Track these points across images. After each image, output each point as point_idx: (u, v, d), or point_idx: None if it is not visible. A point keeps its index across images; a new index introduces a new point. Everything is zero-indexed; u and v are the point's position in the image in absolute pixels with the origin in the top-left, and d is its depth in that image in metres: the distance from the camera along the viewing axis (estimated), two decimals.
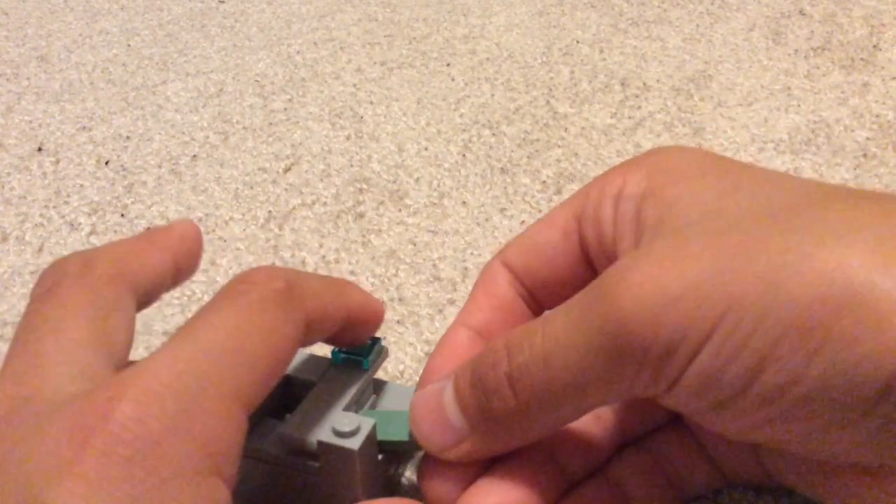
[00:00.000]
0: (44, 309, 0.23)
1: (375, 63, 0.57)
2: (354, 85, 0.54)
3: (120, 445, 0.19)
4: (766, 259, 0.21)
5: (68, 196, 0.45)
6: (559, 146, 0.48)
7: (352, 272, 0.39)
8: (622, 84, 0.53)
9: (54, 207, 0.44)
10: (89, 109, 0.53)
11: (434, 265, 0.39)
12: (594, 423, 0.27)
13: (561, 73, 0.54)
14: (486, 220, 0.42)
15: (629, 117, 0.50)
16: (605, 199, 0.26)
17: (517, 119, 0.50)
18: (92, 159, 0.48)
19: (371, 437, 0.25)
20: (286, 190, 0.45)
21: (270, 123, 0.51)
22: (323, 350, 0.28)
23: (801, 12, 0.60)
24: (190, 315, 0.36)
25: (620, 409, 0.28)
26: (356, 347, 0.28)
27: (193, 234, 0.27)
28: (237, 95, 0.53)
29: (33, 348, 0.22)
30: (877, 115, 0.49)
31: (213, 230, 0.42)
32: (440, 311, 0.37)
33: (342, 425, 0.25)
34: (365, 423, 0.25)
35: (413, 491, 0.29)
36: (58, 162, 0.48)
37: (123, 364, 0.23)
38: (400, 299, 0.38)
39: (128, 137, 0.50)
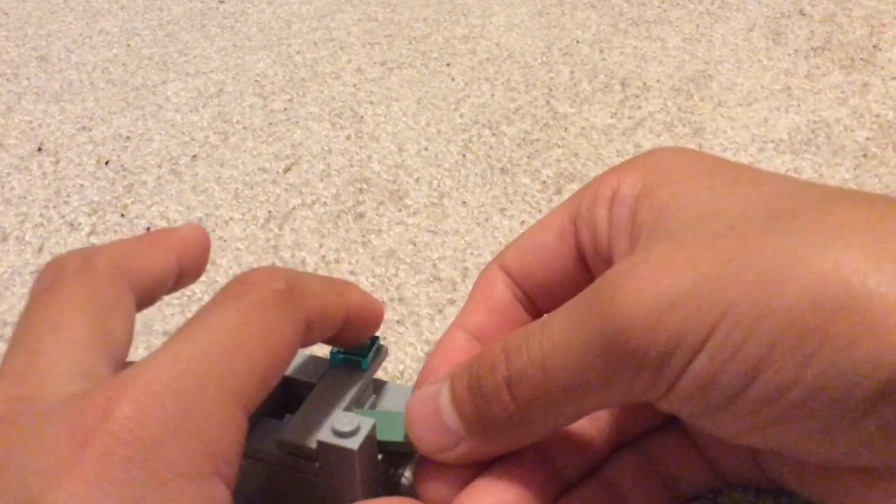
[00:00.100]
0: (43, 307, 0.23)
1: (375, 63, 0.57)
2: (354, 85, 0.54)
3: (120, 446, 0.19)
4: (762, 263, 0.21)
5: (68, 196, 0.45)
6: (559, 146, 0.48)
7: (352, 272, 0.39)
8: (622, 84, 0.53)
9: (54, 207, 0.45)
10: (89, 109, 0.53)
11: (434, 265, 0.40)
12: (590, 424, 0.27)
13: (561, 73, 0.54)
14: (486, 220, 0.42)
15: (629, 117, 0.50)
16: (600, 201, 0.26)
17: (517, 119, 0.50)
18: (92, 159, 0.48)
19: (371, 437, 0.25)
20: (286, 190, 0.45)
21: (270, 123, 0.51)
22: (323, 350, 0.28)
23: (801, 12, 0.60)
24: (190, 315, 0.36)
25: (616, 411, 0.28)
26: (355, 348, 0.28)
27: (199, 237, 0.26)
28: (237, 95, 0.54)
29: (33, 347, 0.22)
30: (877, 115, 0.49)
31: (213, 230, 0.42)
32: (440, 312, 0.37)
33: (342, 425, 0.25)
34: (365, 423, 0.25)
35: (413, 491, 0.29)
36: (58, 162, 0.48)
37: (123, 364, 0.23)
38: (400, 299, 0.38)
39: (128, 137, 0.50)
